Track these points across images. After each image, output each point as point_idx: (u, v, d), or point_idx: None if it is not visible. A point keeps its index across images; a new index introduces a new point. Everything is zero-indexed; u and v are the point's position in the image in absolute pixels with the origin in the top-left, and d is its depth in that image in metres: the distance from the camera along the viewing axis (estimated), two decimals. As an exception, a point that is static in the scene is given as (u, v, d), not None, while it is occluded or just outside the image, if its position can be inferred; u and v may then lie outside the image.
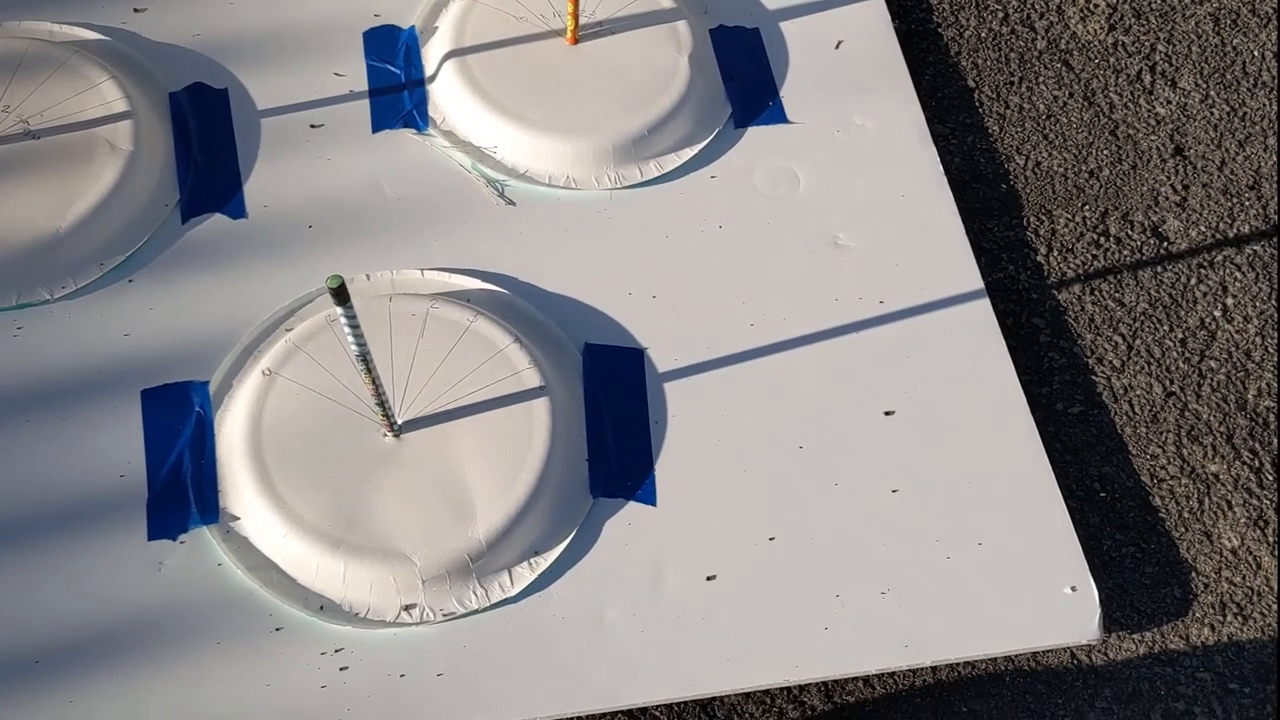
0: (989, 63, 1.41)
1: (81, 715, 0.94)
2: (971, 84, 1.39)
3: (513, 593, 1.02)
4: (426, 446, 1.06)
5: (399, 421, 1.06)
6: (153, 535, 1.02)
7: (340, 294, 0.88)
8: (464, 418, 1.07)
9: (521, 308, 1.16)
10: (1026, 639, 1.02)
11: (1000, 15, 1.45)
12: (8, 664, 0.95)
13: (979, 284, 1.21)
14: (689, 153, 1.28)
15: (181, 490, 1.04)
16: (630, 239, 1.22)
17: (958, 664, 1.03)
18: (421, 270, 1.18)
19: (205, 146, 1.23)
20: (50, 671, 0.95)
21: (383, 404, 1.02)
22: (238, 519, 1.03)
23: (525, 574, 1.02)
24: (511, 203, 1.23)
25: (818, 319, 1.18)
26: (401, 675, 0.98)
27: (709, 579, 1.04)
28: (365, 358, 0.96)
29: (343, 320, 0.92)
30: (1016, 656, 1.04)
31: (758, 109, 1.32)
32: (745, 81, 1.33)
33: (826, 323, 1.18)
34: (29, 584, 0.98)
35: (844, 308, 1.19)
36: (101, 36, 1.29)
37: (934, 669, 1.03)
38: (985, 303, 1.20)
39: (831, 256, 1.23)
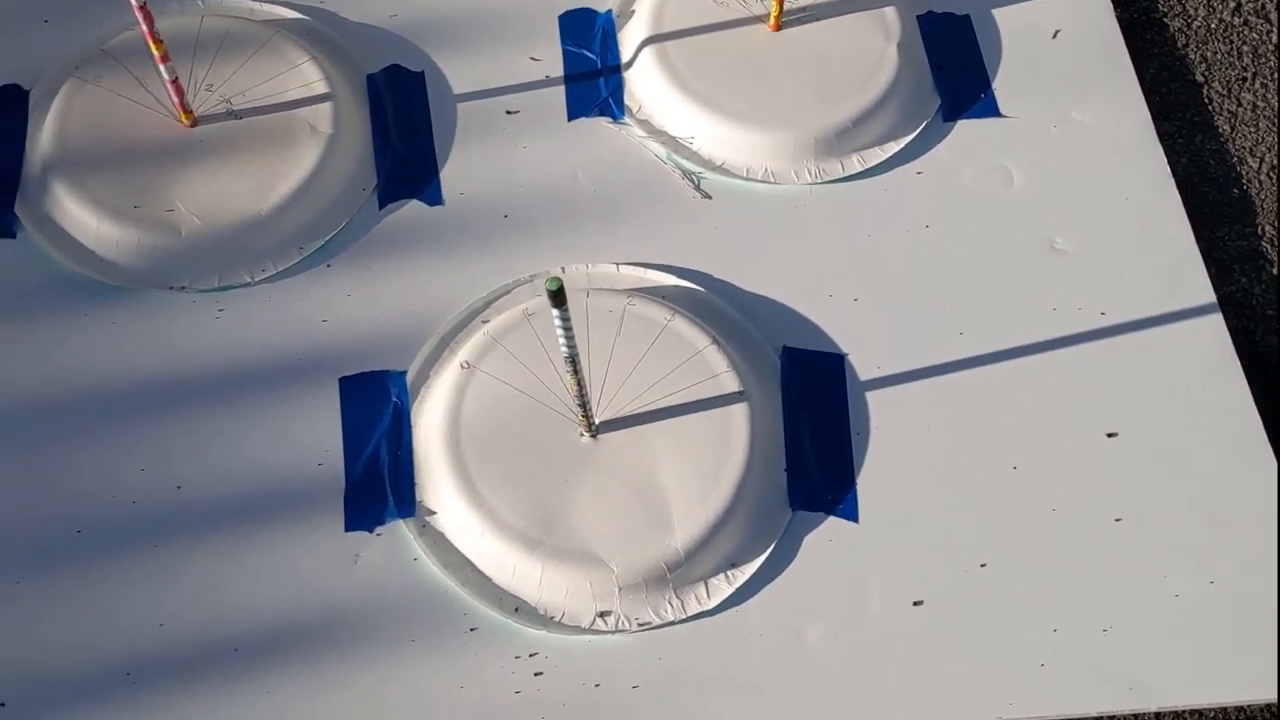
0: (1219, 56, 1.31)
1: (278, 705, 0.94)
2: (1200, 79, 1.29)
3: (709, 605, 0.98)
4: (623, 449, 1.03)
5: (597, 421, 1.03)
6: (350, 526, 1.01)
7: (559, 297, 0.85)
8: (660, 420, 1.04)
9: (718, 306, 1.12)
10: (1265, 690, 0.94)
11: (1232, 5, 1.34)
12: (207, 650, 0.96)
13: (1210, 297, 1.12)
14: (894, 147, 1.22)
15: (379, 482, 1.03)
16: (831, 237, 1.17)
17: (1184, 712, 0.96)
18: (617, 265, 1.14)
19: (402, 131, 1.22)
20: (247, 659, 0.96)
21: (584, 405, 0.99)
22: (434, 514, 1.02)
23: (722, 587, 0.99)
24: (708, 196, 1.19)
25: (1033, 329, 1.11)
26: (596, 685, 0.95)
27: (915, 604, 0.99)
28: (574, 359, 0.94)
29: (557, 322, 0.89)
30: (1249, 707, 0.97)
31: (968, 101, 1.25)
32: (955, 72, 1.26)
33: (1042, 333, 1.11)
34: (228, 570, 0.99)
35: (1062, 318, 1.12)
36: (300, 16, 1.28)
37: (1158, 715, 0.96)
38: (1217, 318, 1.11)
39: (1048, 262, 1.15)
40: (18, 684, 0.94)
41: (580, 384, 0.97)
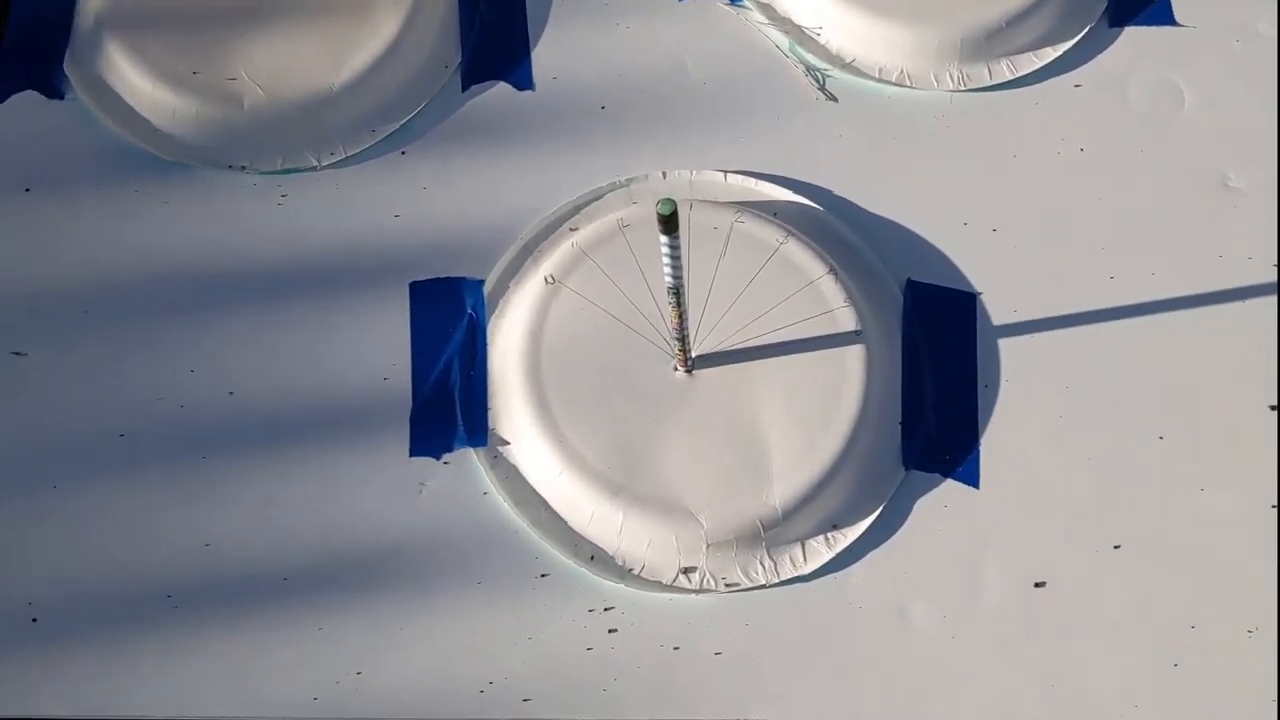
0: None
1: (328, 643, 0.86)
2: None
3: (805, 570, 0.88)
4: (721, 387, 0.92)
5: (694, 355, 0.92)
6: (415, 451, 0.92)
7: (670, 222, 0.73)
8: (765, 359, 0.92)
9: (837, 229, 0.99)
10: None
11: None
12: (255, 577, 0.87)
13: (1407, 256, 0.98)
14: (1050, 54, 1.06)
15: (449, 404, 0.93)
16: (970, 155, 1.03)
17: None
18: (724, 173, 1.01)
19: (493, 1, 1.08)
20: (298, 591, 0.87)
21: (683, 337, 0.88)
22: (507, 444, 0.92)
23: (821, 551, 0.89)
24: (833, 97, 1.05)
25: (1195, 278, 0.97)
26: (675, 648, 0.86)
27: (1037, 585, 0.88)
28: (679, 290, 0.82)
29: (665, 250, 0.78)
30: None
31: (1139, 4, 1.08)
32: (1127, -32, 1.10)
33: (1206, 284, 0.97)
34: (281, 490, 0.90)
35: (1229, 267, 0.98)
36: None
37: (1303, 733, 0.86)
38: None
39: (1218, 200, 1.00)
40: (49, 599, 0.87)
41: (682, 317, 0.86)
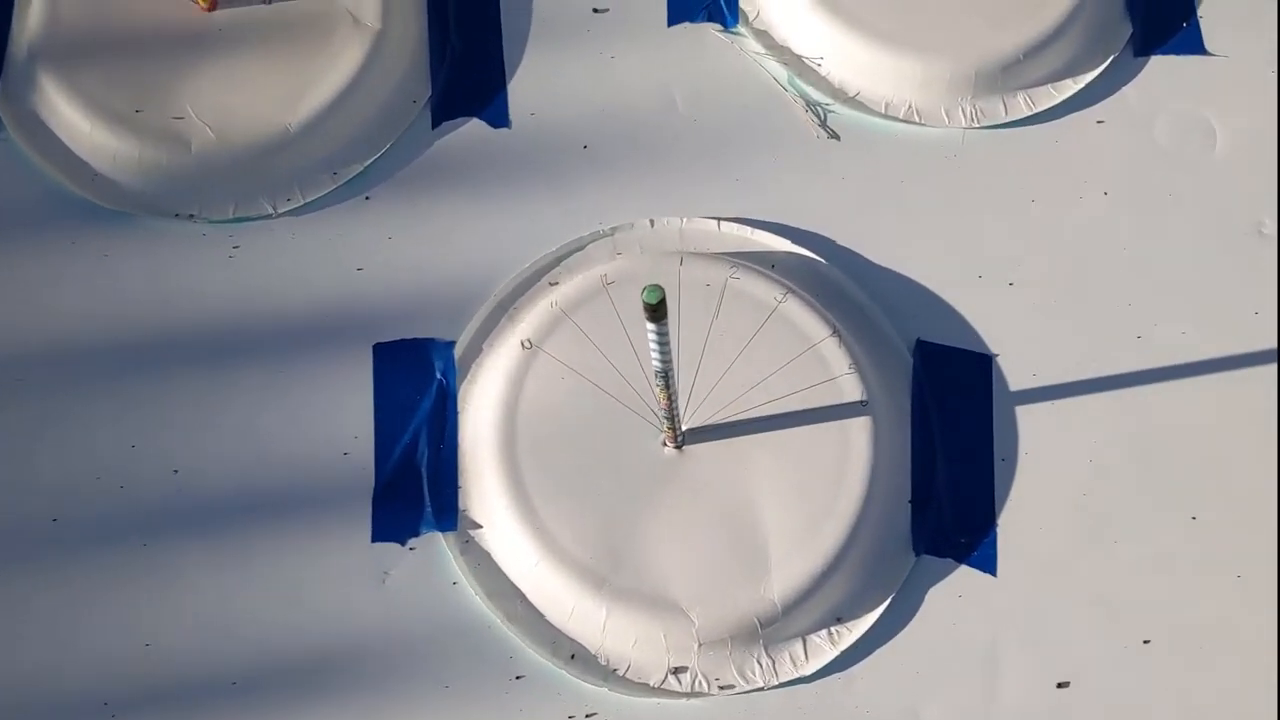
0: None
1: (285, 747, 0.79)
2: None
3: (807, 670, 0.80)
4: (714, 465, 0.84)
5: (684, 429, 0.84)
6: (377, 536, 0.84)
7: (658, 311, 0.65)
8: (762, 432, 0.84)
9: (840, 284, 0.91)
10: None
11: None
12: (201, 681, 0.79)
13: None
14: (1071, 87, 0.97)
15: (415, 482, 0.85)
16: (985, 200, 0.95)
17: None
18: (718, 220, 0.93)
19: (466, 28, 0.99)
20: (247, 694, 0.79)
21: (673, 417, 0.80)
22: (479, 528, 0.84)
23: (824, 648, 0.81)
24: (835, 135, 0.96)
25: (1230, 337, 0.89)
26: (664, 758, 0.79)
27: (1060, 686, 0.80)
28: (668, 375, 0.74)
29: (652, 335, 0.70)
30: None
31: (1167, 31, 1.00)
32: (1153, -8, 1.02)
33: (1242, 344, 0.89)
34: (230, 580, 0.82)
35: (1266, 325, 0.90)
36: None
37: None
38: None
39: (1254, 251, 0.92)
40: (-28, 708, 0.80)
41: (672, 399, 0.78)
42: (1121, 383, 0.89)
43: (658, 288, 0.65)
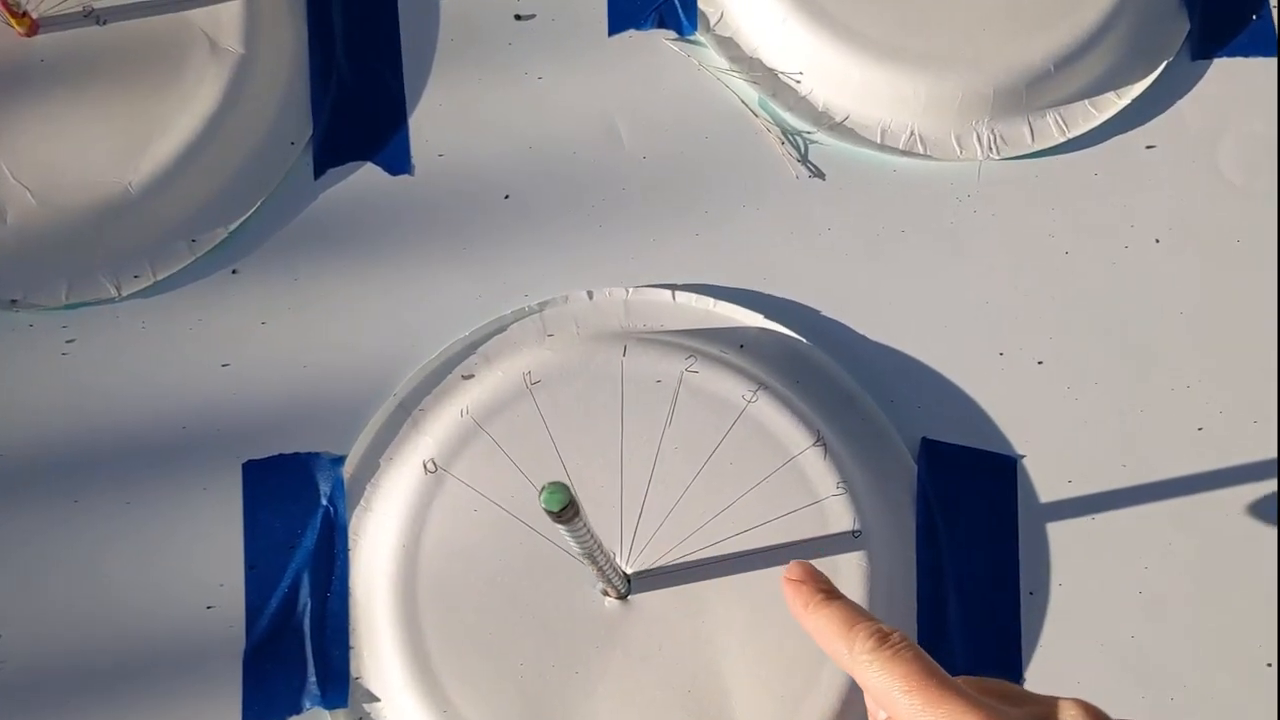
0: None
1: None
2: None
3: None
4: (668, 621, 0.66)
5: (630, 572, 0.67)
6: (249, 716, 0.66)
7: (562, 515, 0.48)
8: (727, 575, 0.67)
9: (826, 370, 0.73)
10: None
11: None
12: None
13: None
14: (1115, 103, 0.78)
15: (296, 643, 0.68)
16: (1006, 253, 0.76)
17: None
18: (672, 290, 0.75)
19: (355, 49, 0.79)
20: None
21: (609, 577, 0.63)
22: (376, 701, 0.67)
23: None
24: (818, 172, 0.78)
25: (1314, 431, 0.72)
26: None
27: None
28: (593, 555, 0.57)
29: (564, 531, 0.52)
30: None
31: (1234, 26, 0.80)
32: (1214, -19, 0.81)
33: (1328, 439, 0.72)
34: (67, 778, 0.66)
35: (1361, 413, 0.72)
36: None
37: None
38: None
39: (1344, 313, 0.75)
40: None
41: (601, 567, 0.60)
42: (1179, 488, 0.71)
43: (559, 488, 0.47)
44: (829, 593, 0.54)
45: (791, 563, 0.55)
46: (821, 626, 0.52)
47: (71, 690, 0.67)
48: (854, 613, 0.52)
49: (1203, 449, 0.72)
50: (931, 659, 0.49)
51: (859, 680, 0.50)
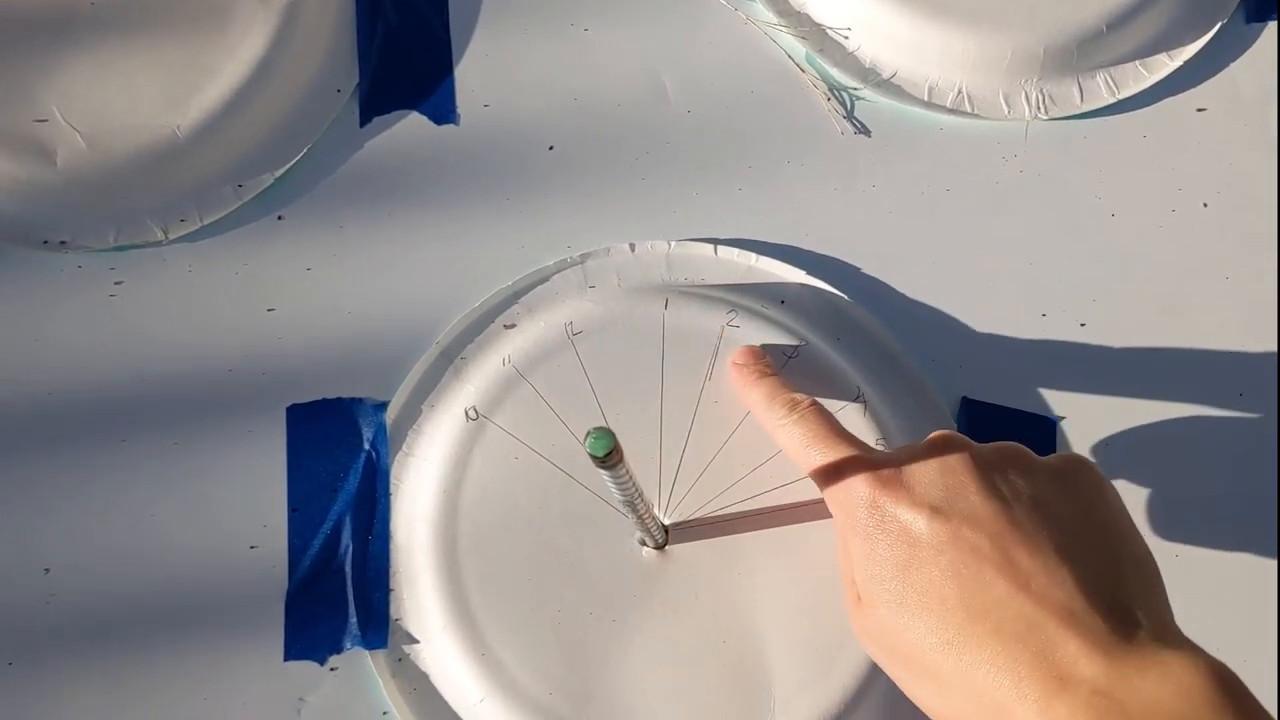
0: None
1: None
2: None
3: (819, 826, 0.65)
4: (706, 572, 0.67)
5: (667, 523, 0.67)
6: (291, 654, 0.68)
7: (607, 461, 0.48)
8: (766, 528, 0.68)
9: (867, 327, 0.73)
10: None
11: None
12: (78, 840, 0.66)
13: None
14: (1166, 64, 0.78)
15: (338, 584, 0.69)
16: (1053, 214, 0.76)
17: None
18: (714, 244, 0.75)
19: (401, -3, 0.80)
20: None
21: (648, 527, 0.63)
22: (416, 643, 0.68)
23: (841, 799, 0.66)
24: (863, 129, 0.77)
25: (1362, 398, 0.72)
26: None
27: None
28: (633, 503, 0.57)
29: (606, 477, 0.52)
30: None
31: (1290, -13, 0.80)
32: (1274, -64, 0.80)
33: (1377, 407, 0.72)
34: (111, 708, 0.67)
35: None
36: None
37: None
38: None
39: (1394, 281, 0.74)
40: None
41: (643, 515, 0.61)
42: (1219, 453, 0.71)
43: (604, 434, 0.47)
44: (763, 373, 0.64)
45: (740, 348, 0.67)
46: (754, 401, 0.63)
47: (115, 626, 0.68)
48: (777, 387, 0.63)
49: (1238, 419, 0.71)
50: (835, 419, 0.60)
51: (778, 442, 0.61)
